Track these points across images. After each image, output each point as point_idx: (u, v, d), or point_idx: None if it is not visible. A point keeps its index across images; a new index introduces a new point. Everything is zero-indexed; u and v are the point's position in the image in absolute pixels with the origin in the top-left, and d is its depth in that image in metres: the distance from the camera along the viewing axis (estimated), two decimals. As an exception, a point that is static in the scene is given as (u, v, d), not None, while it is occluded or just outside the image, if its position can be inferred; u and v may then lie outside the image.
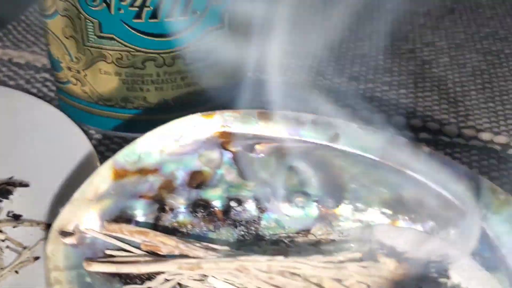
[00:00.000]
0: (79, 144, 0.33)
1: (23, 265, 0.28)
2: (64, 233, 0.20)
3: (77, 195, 0.21)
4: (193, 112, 0.23)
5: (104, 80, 0.34)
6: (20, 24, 0.46)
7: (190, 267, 0.19)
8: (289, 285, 0.19)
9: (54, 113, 0.35)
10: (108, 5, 0.31)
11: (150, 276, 0.21)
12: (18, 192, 0.31)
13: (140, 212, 0.23)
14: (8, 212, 0.31)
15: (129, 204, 0.22)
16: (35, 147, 0.33)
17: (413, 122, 0.38)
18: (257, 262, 0.19)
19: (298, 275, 0.19)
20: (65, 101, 0.36)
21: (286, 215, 0.24)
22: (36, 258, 0.28)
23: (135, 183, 0.22)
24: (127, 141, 0.26)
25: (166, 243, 0.20)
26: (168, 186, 0.23)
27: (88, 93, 0.35)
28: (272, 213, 0.25)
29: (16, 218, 0.30)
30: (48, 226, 0.28)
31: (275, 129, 0.23)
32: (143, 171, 0.22)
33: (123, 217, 0.22)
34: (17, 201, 0.31)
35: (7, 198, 0.31)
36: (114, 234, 0.21)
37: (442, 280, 0.20)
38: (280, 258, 0.19)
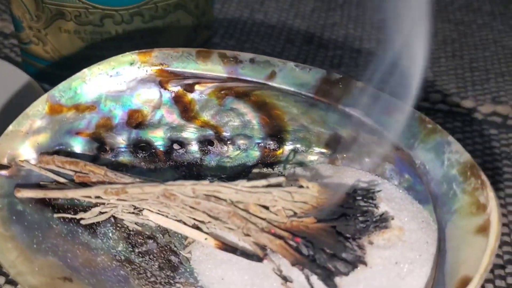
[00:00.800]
0: (31, 93, 0.32)
1: None
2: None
3: (11, 127, 0.21)
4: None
5: (64, 39, 0.34)
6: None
7: (116, 192, 0.19)
8: (215, 209, 0.19)
9: (17, 73, 0.35)
10: (64, -40, 0.31)
11: (85, 209, 0.21)
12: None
13: (78, 149, 0.23)
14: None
15: (66, 141, 0.22)
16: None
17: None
18: (182, 187, 0.19)
19: (225, 200, 0.19)
20: (28, 62, 0.36)
21: (229, 157, 0.24)
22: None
23: (71, 119, 0.22)
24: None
25: (95, 172, 0.20)
26: (106, 125, 0.23)
27: (50, 53, 0.35)
28: (215, 156, 0.25)
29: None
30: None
31: (214, 68, 0.23)
32: (79, 108, 0.22)
33: (60, 154, 0.22)
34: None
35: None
36: (48, 166, 0.21)
37: (369, 208, 0.20)
38: (205, 182, 0.19)
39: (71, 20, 0.33)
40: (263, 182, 0.19)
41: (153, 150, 0.24)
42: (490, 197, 0.18)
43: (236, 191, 0.19)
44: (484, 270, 0.17)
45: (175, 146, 0.24)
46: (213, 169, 0.24)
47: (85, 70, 0.22)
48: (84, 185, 0.21)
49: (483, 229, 0.17)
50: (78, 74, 0.22)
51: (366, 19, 0.47)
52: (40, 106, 0.21)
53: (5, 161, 0.21)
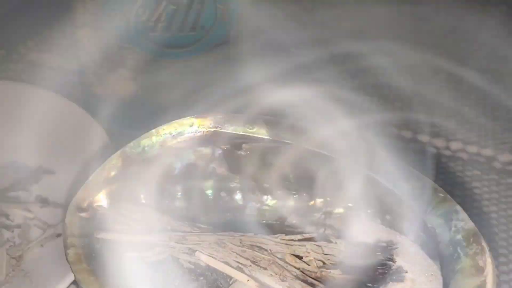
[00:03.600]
0: (98, 138, 0.37)
1: (47, 240, 0.33)
2: (80, 209, 0.25)
3: (91, 178, 0.26)
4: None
5: (122, 85, 0.39)
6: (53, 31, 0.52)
7: (177, 239, 0.23)
8: (258, 257, 0.23)
9: (77, 111, 0.40)
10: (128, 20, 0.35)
11: (147, 249, 0.25)
12: (45, 179, 0.36)
13: (143, 197, 0.27)
14: (37, 196, 0.36)
15: (134, 189, 0.27)
16: (61, 140, 0.38)
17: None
18: (232, 237, 0.23)
19: (266, 250, 0.23)
20: (88, 102, 0.41)
21: (267, 205, 0.29)
22: (59, 235, 0.33)
23: (139, 172, 0.27)
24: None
25: (161, 220, 0.25)
26: (168, 176, 0.27)
27: (109, 95, 0.40)
28: (255, 203, 0.29)
29: (43, 201, 0.35)
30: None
31: (260, 131, 0.27)
32: (146, 162, 0.27)
33: (128, 199, 0.27)
34: (44, 187, 0.36)
35: (37, 183, 0.36)
36: (121, 211, 0.26)
37: (388, 262, 0.23)
38: (250, 234, 0.23)
39: (131, 69, 0.38)
40: (299, 236, 0.23)
41: (205, 197, 0.29)
42: (487, 262, 0.22)
43: (275, 243, 0.23)
44: (480, 324, 0.20)
45: (222, 194, 0.29)
46: (253, 216, 0.28)
47: (152, 131, 0.27)
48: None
49: (480, 289, 0.21)
50: (145, 134, 0.27)
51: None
52: (115, 160, 0.26)
53: (85, 205, 0.26)
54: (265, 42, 0.35)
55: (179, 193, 0.28)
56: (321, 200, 0.28)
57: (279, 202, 0.29)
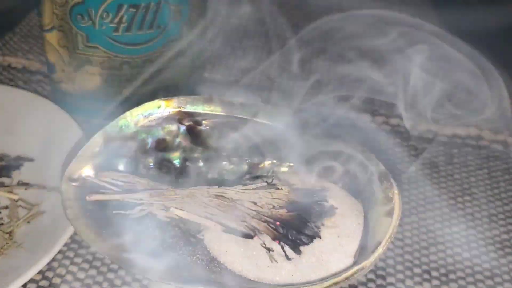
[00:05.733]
0: (69, 127, 0.42)
1: (32, 217, 0.38)
2: (72, 179, 0.31)
3: (80, 153, 0.31)
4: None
5: (89, 80, 0.44)
6: (16, 35, 0.56)
7: (157, 194, 0.29)
8: (221, 205, 0.29)
9: (49, 105, 0.45)
10: (94, 22, 0.41)
11: (131, 208, 0.31)
12: (25, 166, 0.41)
13: (122, 168, 0.33)
14: (19, 181, 0.40)
15: (115, 161, 0.32)
16: (36, 131, 0.43)
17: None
18: (200, 190, 0.29)
19: (228, 198, 0.29)
20: (59, 97, 0.46)
21: (225, 169, 0.35)
22: (43, 212, 0.38)
23: (119, 147, 0.32)
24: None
25: (140, 182, 0.31)
26: (142, 150, 0.33)
27: (77, 90, 0.45)
28: (216, 169, 0.35)
29: (25, 185, 0.40)
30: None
31: (216, 109, 0.33)
32: (124, 138, 0.32)
33: (111, 169, 0.32)
34: (24, 173, 0.41)
35: (18, 169, 0.41)
36: (105, 179, 0.31)
37: (322, 202, 0.30)
38: (215, 187, 0.29)
39: (96, 65, 0.43)
40: (253, 186, 0.29)
41: (172, 167, 0.35)
42: (395, 193, 0.29)
43: (235, 192, 0.29)
44: (389, 237, 0.28)
45: (188, 163, 0.35)
46: (214, 179, 0.35)
47: (127, 113, 0.32)
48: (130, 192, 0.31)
49: (389, 213, 0.28)
50: (122, 116, 0.32)
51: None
52: (98, 138, 0.32)
53: (76, 176, 0.31)
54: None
55: (151, 164, 0.34)
56: (269, 162, 0.35)
57: (235, 167, 0.35)
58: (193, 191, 0.29)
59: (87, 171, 0.31)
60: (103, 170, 0.32)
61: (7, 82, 0.50)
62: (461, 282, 0.35)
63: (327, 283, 0.26)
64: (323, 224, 0.30)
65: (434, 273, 0.35)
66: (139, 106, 0.33)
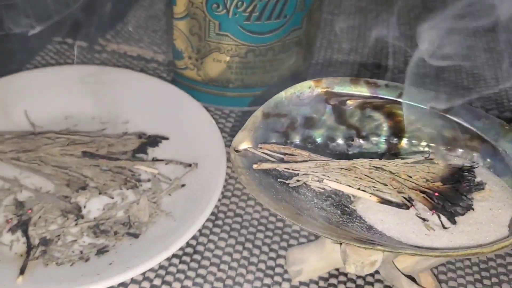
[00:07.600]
0: (197, 111, 0.45)
1: (173, 190, 0.40)
2: (236, 150, 0.33)
3: (244, 127, 0.34)
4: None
5: (215, 67, 0.46)
6: (126, 25, 0.59)
7: (321, 164, 0.32)
8: (381, 176, 0.31)
9: (176, 91, 0.48)
10: (228, 11, 0.43)
11: (287, 178, 0.33)
12: (162, 143, 0.44)
13: (275, 140, 0.35)
14: (153, 158, 0.43)
15: (270, 135, 0.35)
16: (168, 114, 0.46)
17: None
18: (362, 162, 0.31)
19: (387, 171, 0.32)
20: (182, 83, 0.49)
21: (365, 148, 0.37)
22: (183, 185, 0.40)
23: (274, 122, 0.35)
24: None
25: (302, 154, 0.33)
26: (292, 126, 0.36)
27: (202, 76, 0.47)
28: (355, 148, 0.37)
29: (162, 160, 0.42)
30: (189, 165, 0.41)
31: (361, 89, 0.35)
32: (278, 115, 0.35)
33: (267, 143, 0.35)
34: (158, 150, 0.43)
35: (157, 145, 0.44)
36: (265, 151, 0.34)
37: (471, 178, 0.32)
38: (376, 159, 0.31)
39: (224, 53, 0.45)
40: (412, 159, 0.32)
41: (316, 143, 0.37)
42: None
43: (396, 165, 0.31)
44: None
45: (329, 141, 0.37)
46: (354, 157, 0.37)
47: (282, 93, 0.35)
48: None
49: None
50: (277, 95, 0.35)
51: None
52: (258, 114, 0.34)
53: (239, 148, 0.33)
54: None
55: (297, 140, 0.36)
56: (407, 142, 0.37)
57: (374, 146, 0.37)
58: (355, 162, 0.32)
59: (248, 143, 0.34)
60: (261, 142, 0.34)
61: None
62: None
63: (498, 245, 0.28)
64: (473, 198, 0.32)
65: None
66: (292, 86, 0.35)
